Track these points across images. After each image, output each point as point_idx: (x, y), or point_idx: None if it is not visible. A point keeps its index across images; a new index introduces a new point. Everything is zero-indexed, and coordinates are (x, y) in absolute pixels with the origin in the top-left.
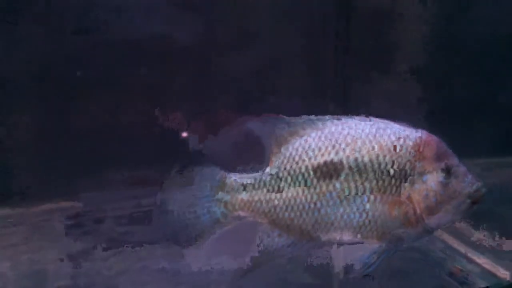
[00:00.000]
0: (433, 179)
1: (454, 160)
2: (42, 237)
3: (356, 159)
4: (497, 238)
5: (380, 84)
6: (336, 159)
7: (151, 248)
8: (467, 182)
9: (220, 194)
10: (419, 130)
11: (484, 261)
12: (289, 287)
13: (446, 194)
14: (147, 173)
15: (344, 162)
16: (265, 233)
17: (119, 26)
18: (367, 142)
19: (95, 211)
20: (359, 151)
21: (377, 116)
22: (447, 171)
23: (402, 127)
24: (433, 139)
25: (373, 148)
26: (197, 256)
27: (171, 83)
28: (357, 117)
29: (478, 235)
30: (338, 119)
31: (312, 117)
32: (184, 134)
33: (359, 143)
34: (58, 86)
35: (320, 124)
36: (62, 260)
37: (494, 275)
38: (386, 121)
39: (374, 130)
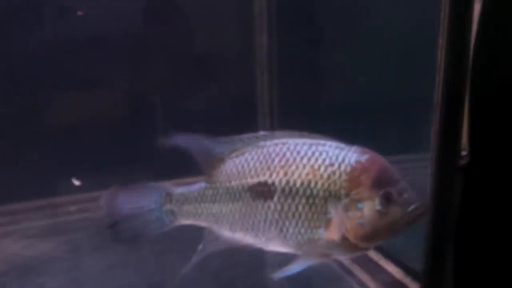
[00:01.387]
0: (369, 207)
1: (396, 187)
2: None
3: (288, 182)
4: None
5: None
6: (270, 181)
7: None
8: (408, 208)
9: (168, 206)
10: (364, 153)
11: (395, 270)
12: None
13: (383, 222)
14: None
15: (277, 184)
16: (207, 237)
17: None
18: (300, 166)
19: None
20: (292, 175)
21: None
22: (386, 200)
23: (342, 150)
24: (374, 164)
25: (307, 173)
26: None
27: None
28: (297, 134)
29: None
30: (279, 137)
31: (256, 134)
32: None
33: (293, 167)
34: None
35: (261, 143)
36: None
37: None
38: (328, 141)
39: (310, 152)
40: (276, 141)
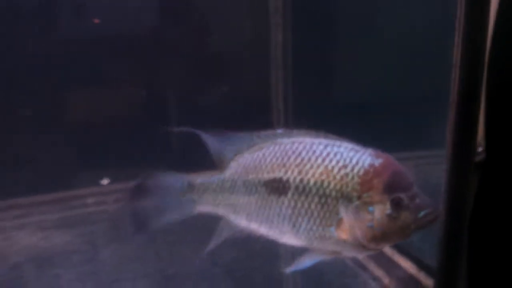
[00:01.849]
0: (380, 211)
1: (408, 192)
2: None
3: (302, 181)
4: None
5: None
6: (284, 178)
7: None
8: (419, 214)
9: (189, 195)
10: (378, 157)
11: (409, 266)
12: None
13: (393, 226)
14: None
15: (291, 181)
16: (223, 225)
17: None
18: (315, 165)
19: None
20: (306, 174)
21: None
22: (397, 205)
23: (357, 152)
24: (387, 168)
25: (320, 173)
26: None
27: None
28: (314, 133)
29: None
30: (296, 136)
31: (274, 132)
32: None
33: (307, 165)
34: None
35: (279, 140)
36: None
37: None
38: (344, 142)
39: (325, 153)
40: (293, 139)
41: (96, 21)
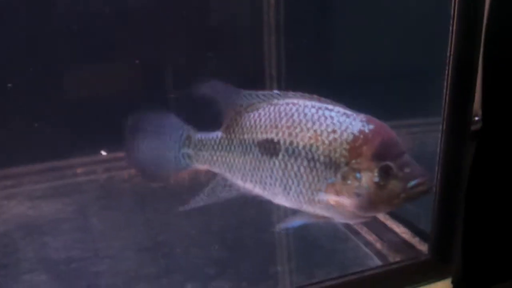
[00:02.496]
0: (367, 178)
1: (398, 161)
2: None
3: (291, 143)
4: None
5: None
6: (275, 139)
7: None
8: (408, 183)
9: (185, 149)
10: (369, 122)
11: (403, 231)
12: None
13: (381, 194)
14: None
15: (281, 143)
16: (218, 183)
17: None
18: (305, 129)
19: None
20: (296, 137)
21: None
22: (385, 173)
23: (348, 117)
24: (377, 135)
25: (309, 137)
26: None
27: None
28: (308, 96)
29: None
30: (291, 98)
31: (271, 92)
32: None
33: (298, 128)
34: None
35: (274, 101)
36: None
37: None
38: (337, 106)
39: (316, 116)
40: (288, 100)
41: None
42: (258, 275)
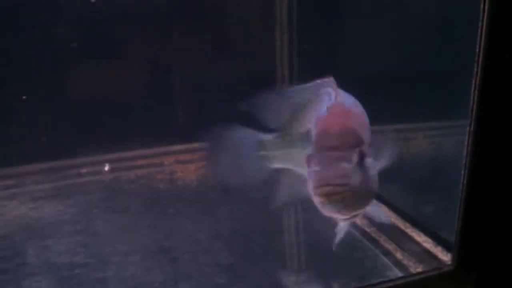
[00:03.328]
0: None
1: (323, 154)
2: None
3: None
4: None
5: None
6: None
7: None
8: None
9: (262, 152)
10: (333, 107)
11: (424, 240)
12: None
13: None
14: None
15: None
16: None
17: None
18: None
19: None
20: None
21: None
22: (308, 162)
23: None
24: (323, 122)
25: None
26: None
27: None
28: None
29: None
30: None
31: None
32: None
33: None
34: None
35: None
36: None
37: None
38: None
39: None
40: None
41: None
42: (271, 285)
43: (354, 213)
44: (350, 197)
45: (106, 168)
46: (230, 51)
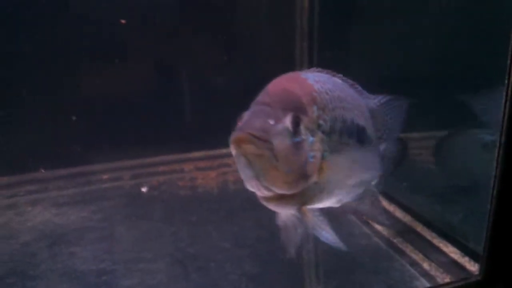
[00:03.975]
0: None
1: (252, 107)
2: None
3: None
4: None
5: None
6: None
7: None
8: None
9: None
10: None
11: (451, 250)
12: None
13: None
14: None
15: None
16: None
17: None
18: None
19: None
20: None
21: None
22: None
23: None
24: (279, 79)
25: None
26: None
27: None
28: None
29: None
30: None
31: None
32: None
33: None
34: None
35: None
36: None
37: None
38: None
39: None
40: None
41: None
42: None
43: (278, 190)
44: (268, 162)
45: (144, 189)
46: (254, 60)
